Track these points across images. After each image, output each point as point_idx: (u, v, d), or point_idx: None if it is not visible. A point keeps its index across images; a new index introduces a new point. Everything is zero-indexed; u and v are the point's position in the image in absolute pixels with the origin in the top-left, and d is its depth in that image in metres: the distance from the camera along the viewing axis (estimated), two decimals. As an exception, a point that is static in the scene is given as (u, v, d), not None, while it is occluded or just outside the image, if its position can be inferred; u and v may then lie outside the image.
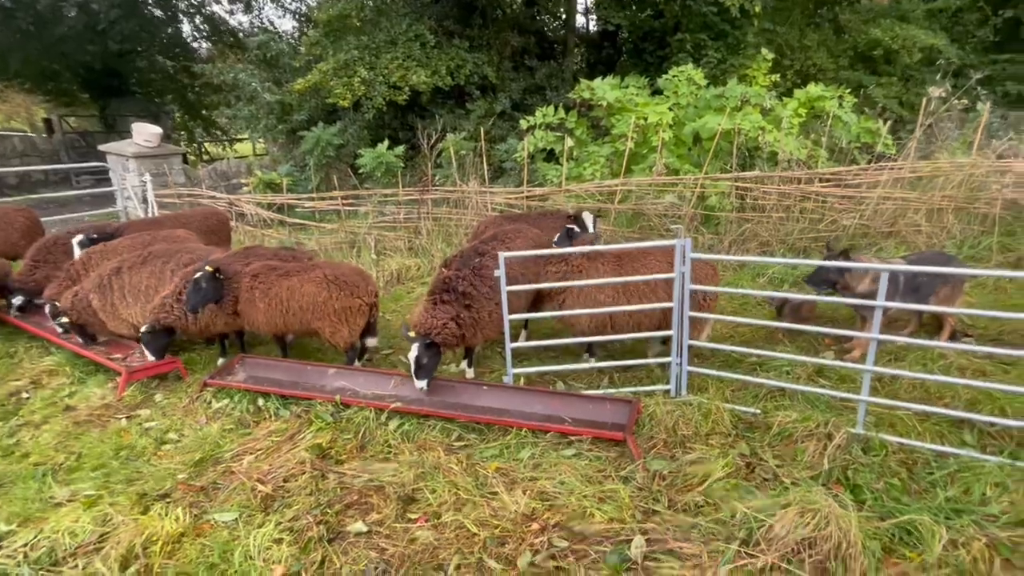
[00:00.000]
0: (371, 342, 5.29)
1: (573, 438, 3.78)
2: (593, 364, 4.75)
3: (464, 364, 5.01)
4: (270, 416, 4.42)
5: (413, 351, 4.25)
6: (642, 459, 3.53)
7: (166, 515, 3.22)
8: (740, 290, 4.88)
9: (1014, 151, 7.40)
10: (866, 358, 3.68)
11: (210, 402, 4.70)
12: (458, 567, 2.78)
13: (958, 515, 2.88)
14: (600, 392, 4.37)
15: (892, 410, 3.84)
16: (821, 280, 4.79)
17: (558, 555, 2.82)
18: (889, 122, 8.93)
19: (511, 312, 4.39)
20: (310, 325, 4.95)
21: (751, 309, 6.18)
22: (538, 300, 5.28)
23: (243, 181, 11.61)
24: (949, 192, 7.22)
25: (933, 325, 5.18)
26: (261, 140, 17.08)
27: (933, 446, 3.50)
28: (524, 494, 3.24)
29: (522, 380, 4.60)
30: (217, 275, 4.94)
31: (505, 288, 4.24)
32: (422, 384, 4.28)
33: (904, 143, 8.36)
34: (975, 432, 3.64)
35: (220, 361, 5.44)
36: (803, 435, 3.60)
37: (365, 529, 3.12)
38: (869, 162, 8.29)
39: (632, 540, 2.84)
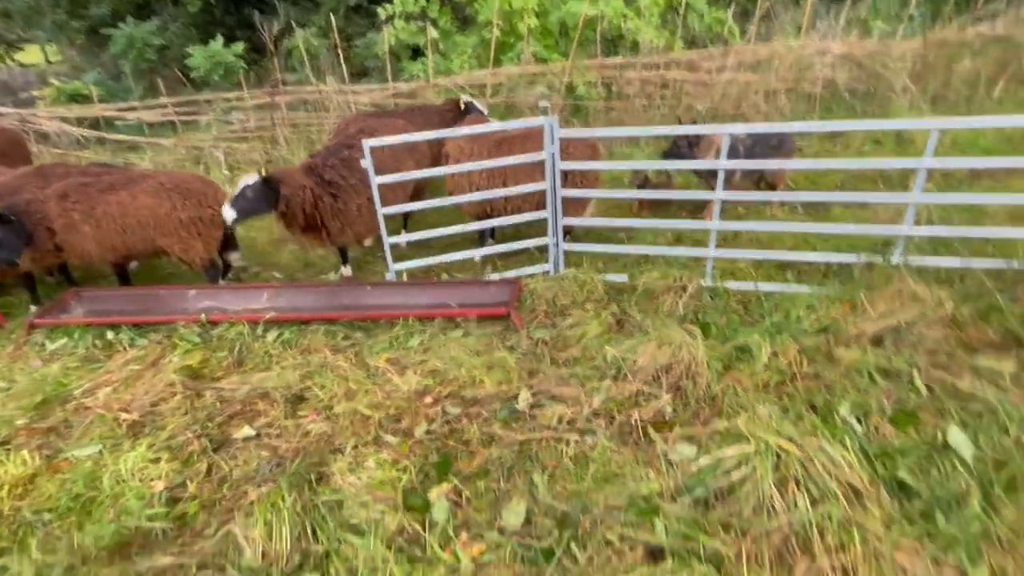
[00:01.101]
0: (235, 258, 4.83)
1: (460, 320, 3.88)
2: (475, 252, 4.79)
3: (344, 269, 4.81)
4: (124, 348, 3.95)
5: (244, 180, 3.99)
6: (525, 329, 3.75)
7: (8, 460, 2.84)
8: (604, 164, 5.06)
9: (833, 33, 8.27)
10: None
11: (43, 344, 4.07)
12: (355, 447, 2.83)
13: (779, 333, 3.47)
14: (484, 278, 4.48)
15: (733, 262, 4.41)
16: (675, 155, 5.17)
17: (453, 420, 2.98)
18: (733, 11, 9.46)
19: (387, 205, 4.21)
20: (154, 243, 4.37)
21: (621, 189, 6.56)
22: (417, 193, 5.11)
23: (36, 94, 9.40)
24: (783, 74, 7.98)
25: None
26: (52, 43, 13.74)
27: (764, 286, 4.12)
28: (416, 375, 3.31)
29: (405, 276, 4.54)
30: (5, 218, 4.03)
31: (375, 180, 4.02)
32: (230, 215, 3.98)
33: (747, 30, 8.97)
34: (795, 271, 4.34)
35: (33, 308, 4.63)
36: (663, 290, 4.03)
37: (253, 433, 3.02)
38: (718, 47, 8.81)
39: (519, 395, 3.07)
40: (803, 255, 4.22)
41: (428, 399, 3.12)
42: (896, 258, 3.90)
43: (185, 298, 4.41)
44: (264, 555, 2.13)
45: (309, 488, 2.48)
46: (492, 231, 5.15)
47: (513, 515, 2.33)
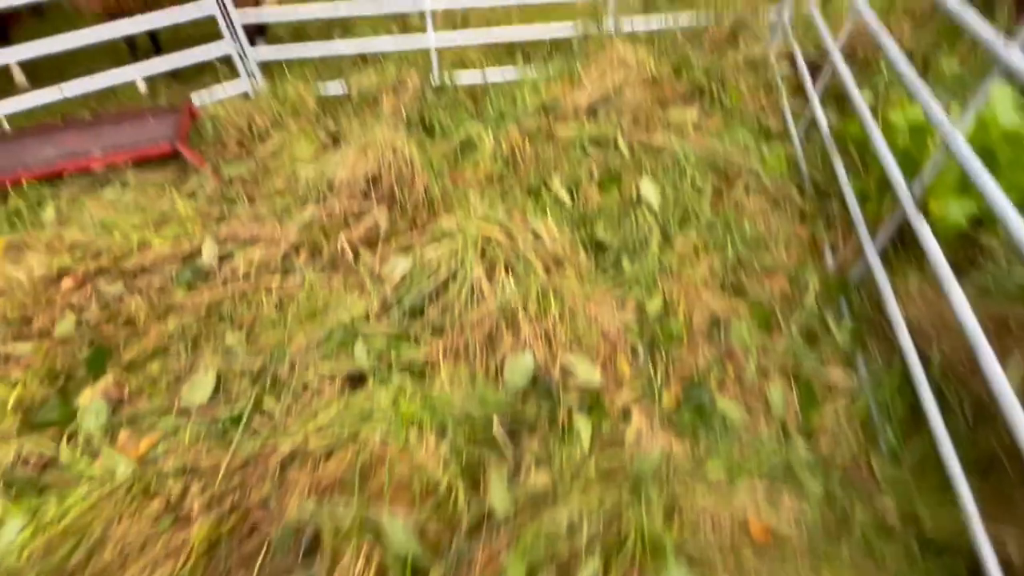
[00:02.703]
0: None
1: (110, 173, 2.86)
2: (126, 71, 3.45)
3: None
4: None
5: None
6: (207, 165, 2.93)
7: None
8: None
9: None
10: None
11: None
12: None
13: (503, 121, 3.24)
14: (139, 107, 3.32)
15: (461, 50, 3.91)
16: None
17: (112, 301, 2.27)
18: None
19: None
20: None
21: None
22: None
23: None
24: None
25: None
26: None
27: (490, 73, 3.76)
28: (42, 256, 2.39)
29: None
30: None
31: None
32: None
33: None
34: (523, 54, 4.03)
35: None
36: (380, 92, 3.44)
37: None
38: None
39: (203, 248, 2.43)
40: (528, 34, 3.87)
41: (68, 284, 2.30)
42: (608, 25, 3.80)
43: None
44: None
45: None
46: (155, 42, 3.75)
47: (198, 390, 1.90)
